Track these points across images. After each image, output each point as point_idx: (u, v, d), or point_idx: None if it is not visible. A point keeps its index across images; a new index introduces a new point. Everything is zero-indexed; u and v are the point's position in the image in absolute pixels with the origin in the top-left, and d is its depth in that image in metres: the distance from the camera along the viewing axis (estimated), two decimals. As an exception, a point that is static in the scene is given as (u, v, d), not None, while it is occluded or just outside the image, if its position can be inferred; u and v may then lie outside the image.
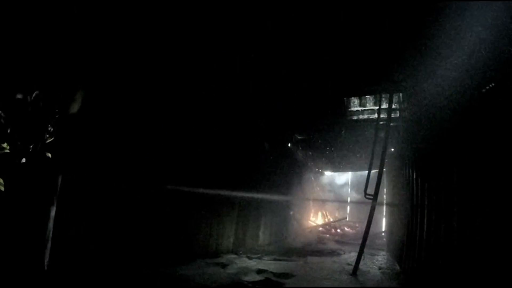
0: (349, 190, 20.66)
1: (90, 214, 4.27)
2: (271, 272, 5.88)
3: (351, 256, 8.40)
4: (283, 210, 12.42)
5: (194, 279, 4.92)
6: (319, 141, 11.67)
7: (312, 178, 16.78)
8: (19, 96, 2.49)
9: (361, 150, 11.44)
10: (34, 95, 2.57)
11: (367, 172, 7.54)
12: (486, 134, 2.68)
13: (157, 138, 5.49)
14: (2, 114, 2.33)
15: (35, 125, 2.55)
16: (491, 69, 2.67)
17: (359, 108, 8.78)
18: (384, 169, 7.25)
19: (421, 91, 5.15)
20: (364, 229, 6.76)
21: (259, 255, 7.79)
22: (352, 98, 8.61)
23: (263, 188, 9.82)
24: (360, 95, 8.34)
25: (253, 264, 6.66)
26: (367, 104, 8.69)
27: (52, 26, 3.41)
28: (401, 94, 7.47)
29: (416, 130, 5.57)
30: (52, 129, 2.66)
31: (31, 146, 2.50)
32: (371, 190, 6.86)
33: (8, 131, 2.38)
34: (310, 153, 13.44)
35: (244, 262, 6.83)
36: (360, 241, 6.84)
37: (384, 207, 14.78)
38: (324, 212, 18.33)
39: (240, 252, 8.05)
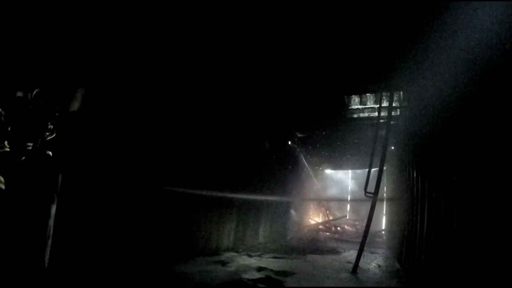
0: (349, 188, 20.68)
1: (90, 213, 4.27)
2: (271, 270, 5.90)
3: (351, 254, 8.42)
4: (283, 208, 12.44)
5: (194, 277, 4.93)
6: (320, 139, 11.67)
7: (312, 176, 16.80)
8: (19, 94, 2.49)
9: (361, 148, 11.44)
10: (34, 93, 2.56)
11: (367, 170, 7.54)
12: (485, 133, 2.68)
13: (157, 138, 5.48)
14: (3, 112, 2.33)
15: (35, 123, 2.55)
16: (490, 67, 2.67)
17: (360, 106, 8.78)
18: (384, 167, 7.25)
19: (421, 89, 5.14)
20: (364, 228, 6.77)
21: (259, 253, 7.81)
22: (353, 96, 8.61)
23: (263, 186, 9.83)
24: (360, 93, 8.34)
25: (253, 262, 6.67)
26: (368, 102, 8.69)
27: (52, 25, 3.40)
28: (401, 92, 7.46)
29: (416, 128, 5.56)
30: (52, 127, 2.66)
31: (31, 144, 2.50)
32: (371, 188, 6.86)
33: (9, 129, 2.38)
34: (311, 151, 13.44)
35: (244, 260, 6.84)
36: (360, 239, 6.85)
37: (384, 205, 14.82)
38: (324, 211, 18.36)
39: (241, 250, 8.07)
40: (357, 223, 16.88)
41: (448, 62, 3.54)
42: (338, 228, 15.76)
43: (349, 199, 20.38)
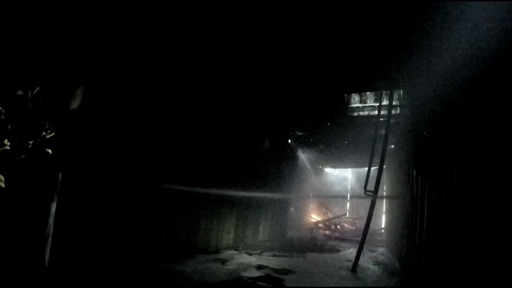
0: (349, 186, 20.68)
1: (90, 212, 4.27)
2: (271, 268, 5.91)
3: (351, 252, 8.43)
4: (283, 206, 12.45)
5: (194, 275, 4.94)
6: (319, 137, 11.67)
7: (312, 174, 16.80)
8: (19, 92, 2.48)
9: (361, 146, 11.44)
10: (35, 91, 2.56)
11: (367, 168, 7.55)
12: (485, 131, 2.68)
13: (157, 136, 5.48)
14: (3, 111, 2.32)
15: (35, 121, 2.54)
16: (489, 64, 2.67)
17: (360, 105, 8.77)
18: (384, 166, 7.25)
19: (421, 88, 5.14)
20: (363, 226, 6.78)
21: (259, 251, 7.82)
22: (353, 94, 8.60)
23: (263, 185, 9.84)
24: (360, 91, 8.33)
25: (253, 260, 6.68)
26: (368, 101, 8.68)
27: (52, 24, 3.39)
28: (401, 91, 7.45)
29: (416, 126, 5.56)
30: (52, 125, 2.66)
31: (31, 142, 2.50)
32: (371, 186, 6.87)
33: (9, 127, 2.38)
34: (310, 149, 13.43)
35: (244, 258, 6.86)
36: (359, 238, 6.86)
37: (384, 203, 14.84)
38: (324, 209, 18.37)
39: (240, 248, 8.09)
40: (356, 221, 16.88)
41: (447, 61, 3.53)
42: (338, 226, 15.77)
43: (348, 197, 20.39)
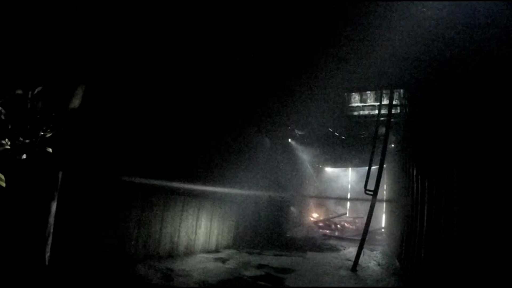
0: (349, 186, 20.66)
1: (90, 210, 4.27)
2: (272, 267, 5.91)
3: (351, 251, 8.43)
4: (284, 206, 12.44)
5: (194, 274, 4.94)
6: (319, 137, 11.67)
7: (313, 174, 16.80)
8: (19, 92, 2.49)
9: (361, 146, 11.44)
10: (36, 91, 2.56)
11: (367, 168, 7.54)
12: (485, 131, 2.68)
13: (157, 135, 5.48)
14: (3, 111, 2.33)
15: (35, 121, 2.55)
16: (488, 64, 2.67)
17: (360, 104, 8.78)
18: (385, 165, 7.25)
19: (421, 87, 5.14)
20: (364, 225, 6.78)
21: (259, 250, 7.82)
22: (353, 93, 8.61)
23: (263, 184, 9.83)
24: (360, 91, 8.34)
25: (254, 259, 6.69)
26: (368, 100, 8.68)
27: (53, 24, 3.39)
28: (402, 90, 7.45)
29: (416, 126, 5.56)
30: (52, 124, 2.66)
31: (32, 141, 2.50)
32: (371, 186, 6.86)
33: (9, 127, 2.38)
34: (310, 148, 13.44)
35: (244, 257, 6.86)
36: (359, 237, 6.86)
37: (384, 203, 14.83)
38: (324, 208, 18.37)
39: (241, 247, 8.09)
40: (357, 220, 16.86)
41: (447, 61, 3.53)
42: (338, 226, 15.76)
43: (349, 196, 20.37)
